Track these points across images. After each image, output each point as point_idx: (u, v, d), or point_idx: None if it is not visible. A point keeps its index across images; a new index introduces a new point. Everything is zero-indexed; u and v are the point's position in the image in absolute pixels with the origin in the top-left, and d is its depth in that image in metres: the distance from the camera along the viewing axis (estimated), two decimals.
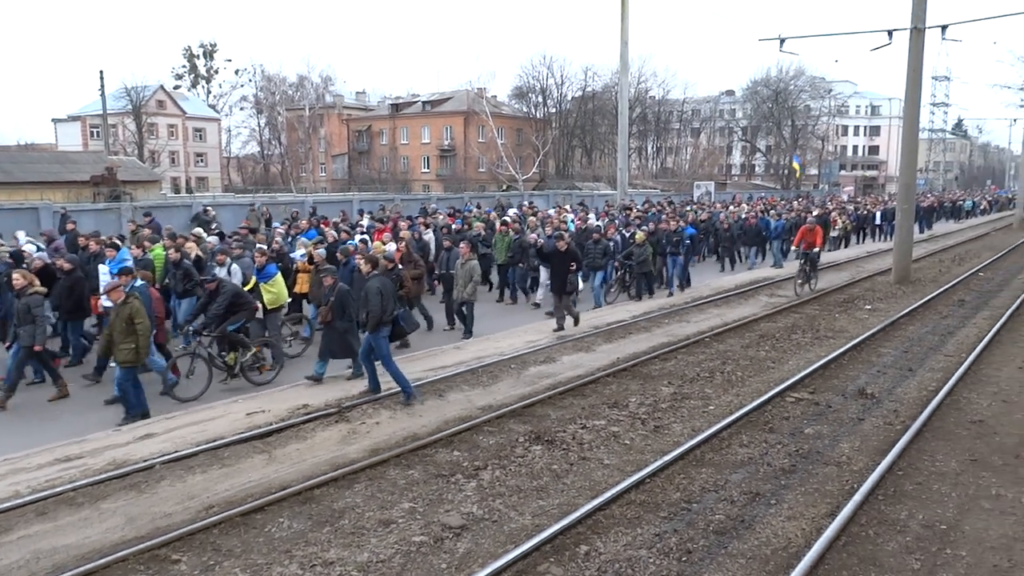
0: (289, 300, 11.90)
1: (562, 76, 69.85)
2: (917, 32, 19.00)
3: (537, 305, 15.78)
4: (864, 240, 32.57)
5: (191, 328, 10.01)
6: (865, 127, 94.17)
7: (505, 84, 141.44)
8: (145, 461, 7.21)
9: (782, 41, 21.35)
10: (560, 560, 5.49)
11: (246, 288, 10.71)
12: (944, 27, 19.85)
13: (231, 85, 79.30)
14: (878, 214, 34.52)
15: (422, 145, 71.18)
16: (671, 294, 17.13)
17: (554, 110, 71.19)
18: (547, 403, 9.17)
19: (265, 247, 12.16)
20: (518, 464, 7.28)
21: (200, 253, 12.78)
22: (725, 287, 18.37)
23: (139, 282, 9.49)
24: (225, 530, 5.97)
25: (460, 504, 6.41)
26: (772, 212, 27.35)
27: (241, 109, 79.72)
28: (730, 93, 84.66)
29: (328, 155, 76.85)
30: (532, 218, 19.62)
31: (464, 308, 12.95)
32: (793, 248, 18.17)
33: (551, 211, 25.65)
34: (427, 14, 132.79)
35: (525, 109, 71.48)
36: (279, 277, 11.24)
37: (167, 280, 11.89)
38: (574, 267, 13.07)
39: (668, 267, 17.65)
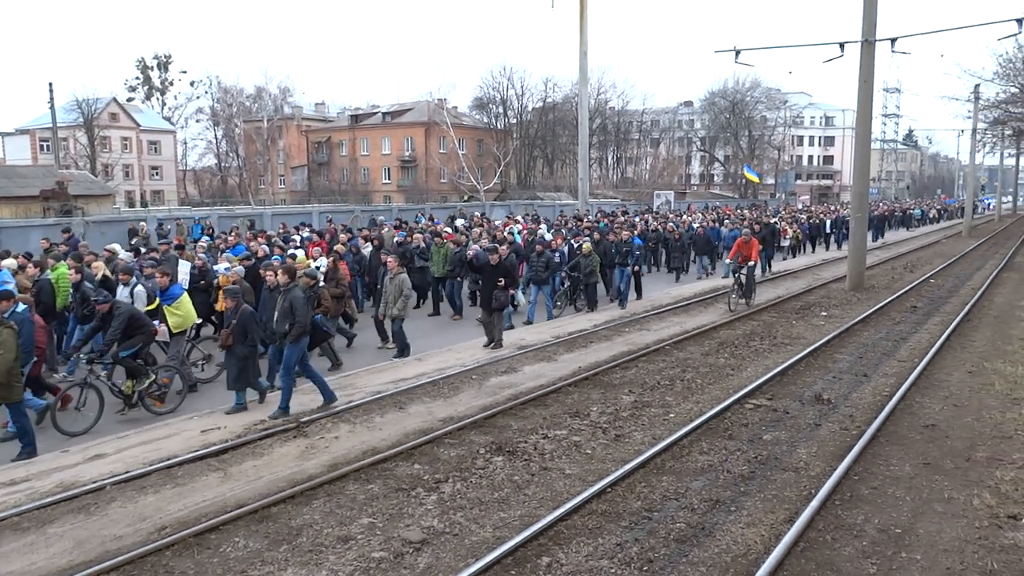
0: (205, 320, 11.58)
1: (522, 87, 70.44)
2: (868, 45, 19.50)
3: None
4: (815, 249, 32.59)
5: (81, 355, 9.35)
6: (820, 137, 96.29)
7: (466, 95, 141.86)
8: (95, 482, 7.00)
9: (737, 53, 21.72)
10: (521, 572, 5.44)
11: (149, 310, 10.10)
12: (893, 40, 20.39)
13: (186, 97, 78.21)
14: (828, 223, 34.83)
15: (383, 156, 70.92)
16: (622, 306, 16.82)
17: (515, 121, 71.59)
18: (509, 414, 9.13)
19: (189, 264, 11.93)
20: (479, 476, 7.22)
21: (108, 273, 11.96)
22: (685, 295, 18.56)
23: (21, 307, 8.48)
24: (178, 552, 5.80)
25: (421, 518, 6.33)
26: (727, 222, 27.64)
27: (197, 121, 78.76)
28: (688, 104, 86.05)
29: (287, 167, 76.14)
30: (477, 229, 19.51)
31: (394, 325, 12.30)
32: (727, 261, 17.33)
33: (498, 221, 25.67)
34: (387, 25, 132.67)
35: (486, 120, 71.75)
36: (185, 298, 10.58)
37: (70, 302, 11.18)
38: (502, 282, 12.55)
39: (615, 279, 17.33)
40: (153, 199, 66.96)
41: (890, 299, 17.80)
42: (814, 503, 6.33)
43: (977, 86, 42.75)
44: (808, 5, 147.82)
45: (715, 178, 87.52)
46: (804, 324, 15.03)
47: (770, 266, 24.05)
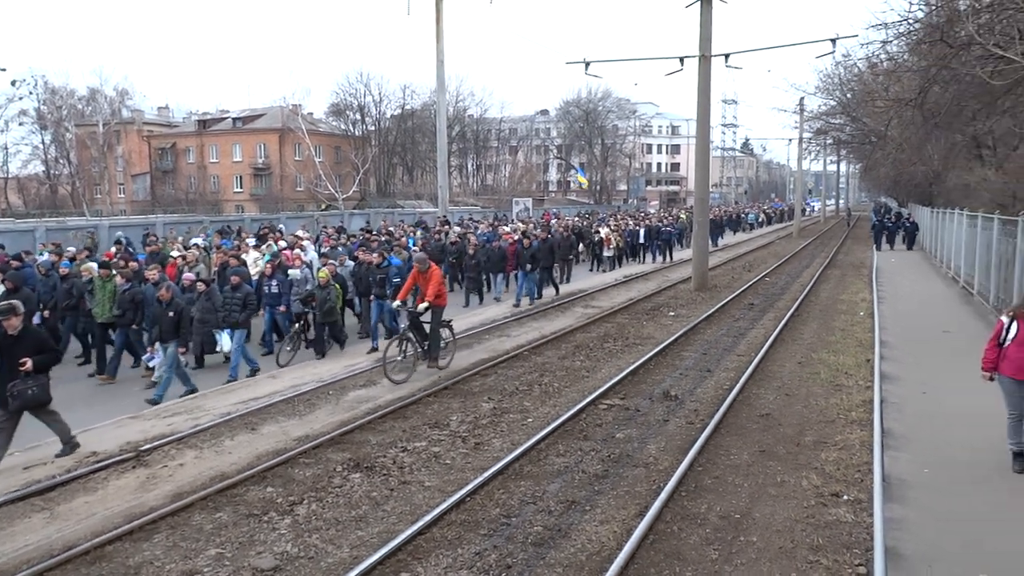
0: None
1: (380, 94, 69.59)
2: (704, 59, 20.80)
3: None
4: (630, 261, 29.03)
5: None
6: (667, 145, 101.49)
7: (321, 101, 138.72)
8: None
9: (587, 64, 22.54)
10: None
11: None
12: (727, 55, 21.86)
13: (7, 97, 71.16)
14: (641, 232, 30.19)
15: (234, 163, 67.75)
16: (374, 348, 13.15)
17: (373, 128, 70.59)
18: (367, 428, 8.97)
19: None
20: (336, 495, 7.04)
21: None
22: (544, 301, 18.97)
23: None
24: None
25: (273, 544, 6.08)
26: (539, 231, 22.45)
27: (20, 124, 71.66)
28: (544, 112, 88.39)
29: (127, 174, 71.18)
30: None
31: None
32: (395, 304, 11.86)
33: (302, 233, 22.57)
34: (235, 27, 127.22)
35: (343, 127, 70.28)
36: None
37: None
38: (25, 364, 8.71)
39: (372, 312, 13.77)
40: None
41: (730, 297, 19.02)
42: (662, 496, 6.63)
43: (802, 99, 46.72)
44: (653, 21, 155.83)
45: (571, 184, 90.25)
46: (654, 324, 15.77)
47: (560, 283, 20.85)
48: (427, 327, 11.55)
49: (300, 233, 22.14)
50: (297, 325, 13.07)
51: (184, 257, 15.36)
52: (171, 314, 10.55)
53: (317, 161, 56.16)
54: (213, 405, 10.03)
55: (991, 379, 7.24)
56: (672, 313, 17.20)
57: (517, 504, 6.75)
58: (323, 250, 18.65)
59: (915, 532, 5.89)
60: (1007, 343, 7.07)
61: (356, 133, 69.09)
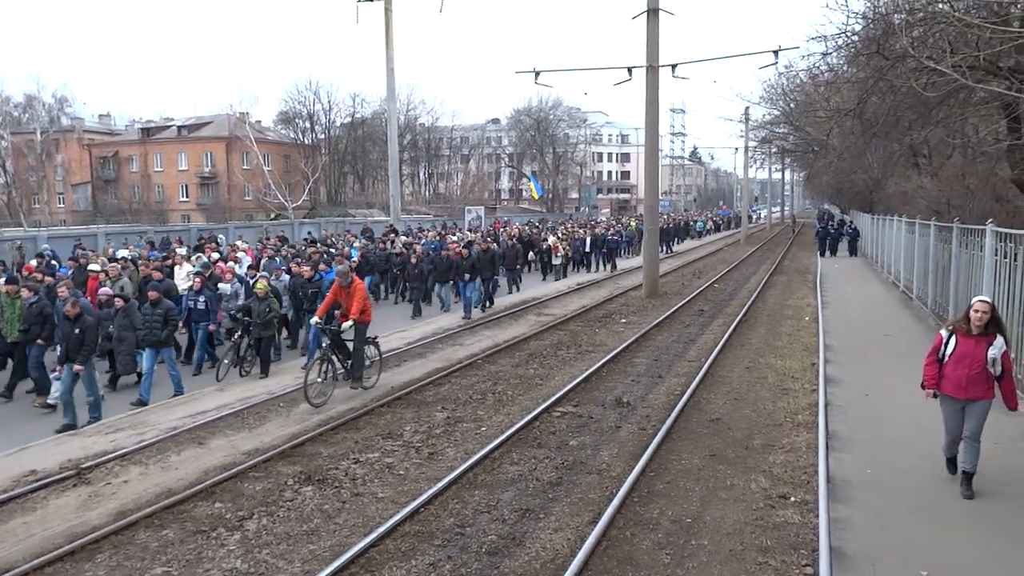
0: None
1: (329, 102, 69.06)
2: (652, 70, 21.15)
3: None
4: (579, 269, 29.18)
5: None
6: (617, 154, 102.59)
7: (270, 109, 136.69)
8: None
9: (537, 74, 22.73)
10: None
11: None
12: (674, 66, 22.26)
13: None
14: (588, 242, 29.67)
15: (179, 172, 66.34)
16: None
17: (323, 136, 69.90)
18: (319, 440, 8.85)
19: None
20: (287, 509, 6.92)
21: None
22: (497, 309, 18.99)
23: None
24: None
25: (221, 561, 5.95)
26: (481, 241, 21.37)
27: None
28: (496, 121, 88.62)
29: (67, 184, 69.03)
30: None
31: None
32: (315, 320, 10.83)
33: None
34: (179, 33, 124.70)
35: (292, 135, 69.43)
36: None
37: None
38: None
39: (308, 327, 12.68)
40: None
41: (681, 304, 19.32)
42: (615, 502, 6.69)
43: (747, 108, 47.89)
44: (602, 32, 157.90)
45: (523, 193, 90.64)
46: (606, 331, 15.92)
47: (511, 292, 21.09)
48: (350, 345, 10.87)
49: (238, 244, 21.67)
50: (233, 339, 12.25)
51: (107, 272, 14.27)
52: (77, 331, 9.87)
53: (266, 170, 55.27)
54: (159, 420, 9.78)
55: (935, 396, 6.84)
56: (624, 320, 17.38)
57: (471, 513, 6.73)
58: (253, 262, 17.69)
59: (859, 532, 6.05)
60: (946, 359, 6.68)
61: (306, 141, 68.36)
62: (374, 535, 6.16)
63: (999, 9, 11.80)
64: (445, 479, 7.37)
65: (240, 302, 12.90)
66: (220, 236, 26.93)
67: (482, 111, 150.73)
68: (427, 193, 79.56)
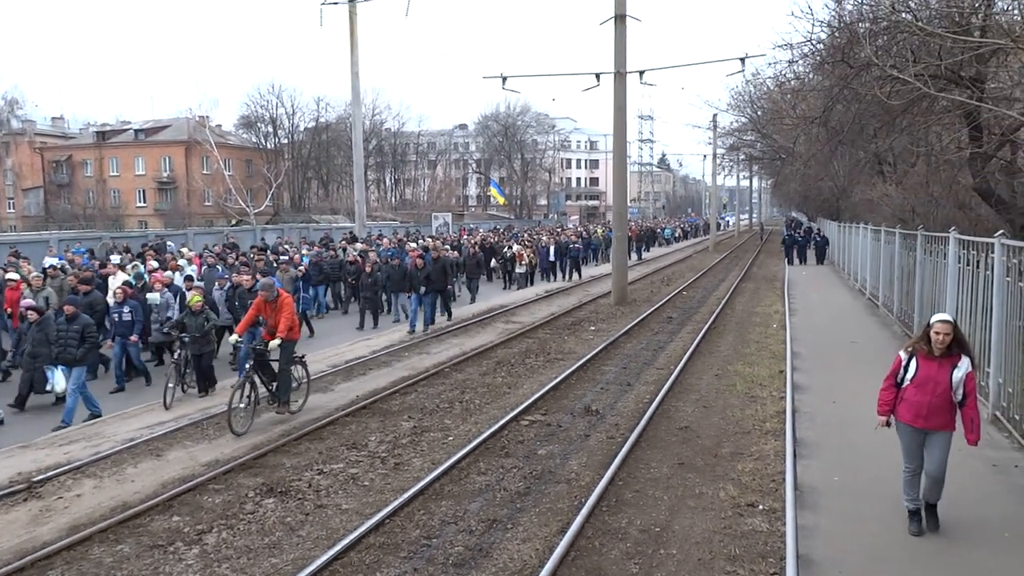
0: None
1: (293, 106, 68.23)
2: (620, 76, 21.23)
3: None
4: (544, 278, 28.25)
5: None
6: (586, 160, 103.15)
7: (230, 113, 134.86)
8: None
9: (504, 79, 22.67)
10: None
11: None
12: (642, 72, 22.43)
13: None
14: (551, 250, 28.72)
15: (136, 177, 64.86)
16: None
17: (286, 141, 69.07)
18: (281, 451, 8.64)
19: None
20: (248, 522, 6.72)
21: None
22: (463, 316, 18.84)
23: None
24: None
25: (180, 575, 5.74)
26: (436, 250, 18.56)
27: None
28: (463, 127, 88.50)
29: (17, 189, 67.20)
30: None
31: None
32: (235, 338, 10.31)
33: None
34: (136, 34, 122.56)
35: (254, 140, 68.43)
36: None
37: None
38: None
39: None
40: None
41: (650, 311, 19.37)
42: (583, 512, 6.60)
43: (715, 116, 48.41)
44: (570, 38, 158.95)
45: (491, 199, 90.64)
46: (575, 339, 15.87)
47: (472, 301, 20.51)
48: (275, 366, 9.89)
49: (184, 251, 21.05)
50: (175, 357, 11.34)
51: (29, 282, 13.24)
52: None
53: (227, 175, 54.37)
54: (114, 431, 9.48)
55: (887, 424, 6.12)
56: (593, 327, 17.37)
57: (438, 524, 6.60)
58: (199, 272, 16.79)
59: (826, 539, 6.04)
60: (905, 383, 5.98)
61: (268, 146, 67.41)
62: (338, 547, 6.00)
63: (960, 19, 12.04)
64: (411, 490, 7.22)
65: (171, 314, 12.32)
66: (169, 243, 26.13)
67: (449, 116, 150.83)
68: (393, 199, 79.03)
